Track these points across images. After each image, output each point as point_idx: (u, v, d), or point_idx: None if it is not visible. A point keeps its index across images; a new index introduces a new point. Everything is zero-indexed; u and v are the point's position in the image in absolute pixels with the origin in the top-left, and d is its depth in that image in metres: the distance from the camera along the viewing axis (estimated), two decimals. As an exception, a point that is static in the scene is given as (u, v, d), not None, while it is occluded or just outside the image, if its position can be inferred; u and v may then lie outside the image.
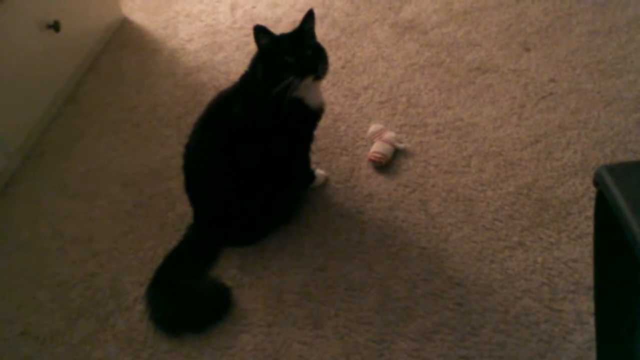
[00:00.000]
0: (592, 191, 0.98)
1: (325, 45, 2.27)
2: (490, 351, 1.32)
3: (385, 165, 1.77)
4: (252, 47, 2.34)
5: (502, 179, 1.70)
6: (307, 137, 1.61)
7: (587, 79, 1.98)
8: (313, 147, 1.84)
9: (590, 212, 1.55)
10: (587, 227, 1.54)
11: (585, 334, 1.32)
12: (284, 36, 1.48)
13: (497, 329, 1.36)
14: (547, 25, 2.24)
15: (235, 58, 2.28)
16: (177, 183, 1.74)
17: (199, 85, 2.18)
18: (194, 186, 1.58)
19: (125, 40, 2.50)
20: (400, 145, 1.81)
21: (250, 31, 2.41)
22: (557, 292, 1.41)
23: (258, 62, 1.49)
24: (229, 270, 1.55)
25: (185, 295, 1.48)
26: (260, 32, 1.44)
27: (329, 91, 2.08)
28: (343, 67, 2.19)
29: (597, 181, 0.76)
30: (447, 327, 1.37)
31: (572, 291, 1.41)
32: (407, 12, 2.42)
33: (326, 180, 1.75)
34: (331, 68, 2.17)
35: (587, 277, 1.43)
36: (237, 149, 1.49)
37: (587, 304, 1.37)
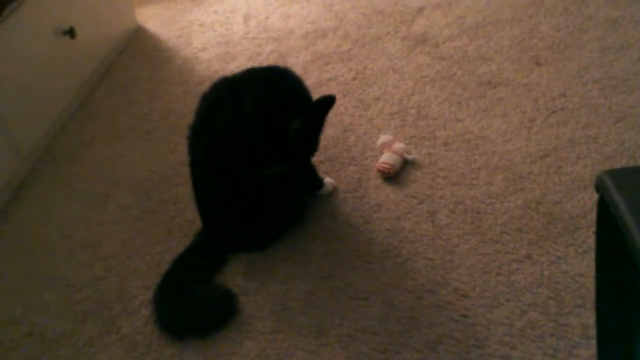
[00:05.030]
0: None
1: (336, 56, 2.32)
2: (495, 364, 1.31)
3: (394, 176, 1.77)
4: (263, 57, 2.37)
5: (510, 192, 1.69)
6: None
7: (598, 95, 1.98)
8: (322, 156, 1.86)
9: (599, 227, 1.54)
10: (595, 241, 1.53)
11: (590, 348, 1.31)
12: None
13: (502, 342, 1.35)
14: (559, 40, 2.25)
15: (247, 67, 2.30)
16: (185, 189, 1.75)
17: (211, 94, 2.19)
18: (200, 192, 1.59)
19: (139, 48, 2.53)
20: (409, 157, 1.81)
21: (263, 41, 2.45)
22: (563, 306, 1.40)
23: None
24: (235, 276, 1.56)
25: (191, 301, 1.49)
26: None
27: (340, 102, 2.08)
28: (354, 79, 2.20)
29: (599, 186, 0.77)
30: (452, 339, 1.37)
31: (578, 305, 1.40)
32: (419, 26, 2.44)
33: (334, 189, 1.76)
34: (342, 79, 2.20)
35: (594, 291, 1.42)
36: (235, 155, 1.50)
37: (593, 319, 1.36)
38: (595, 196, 1.65)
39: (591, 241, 1.53)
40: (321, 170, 1.80)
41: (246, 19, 2.64)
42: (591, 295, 1.41)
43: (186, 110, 2.12)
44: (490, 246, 1.56)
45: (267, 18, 2.62)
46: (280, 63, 2.12)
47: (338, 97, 2.09)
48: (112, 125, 2.13)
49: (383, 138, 1.86)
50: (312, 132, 1.54)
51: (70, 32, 2.07)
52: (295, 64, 2.30)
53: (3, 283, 1.62)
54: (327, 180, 1.76)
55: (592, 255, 1.51)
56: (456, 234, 1.60)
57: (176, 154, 1.94)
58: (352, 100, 2.10)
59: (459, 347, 1.35)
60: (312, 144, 1.56)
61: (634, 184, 0.72)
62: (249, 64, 2.33)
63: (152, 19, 2.72)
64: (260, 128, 1.44)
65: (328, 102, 1.51)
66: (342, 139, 1.94)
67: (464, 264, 1.52)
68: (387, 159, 1.78)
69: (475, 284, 1.47)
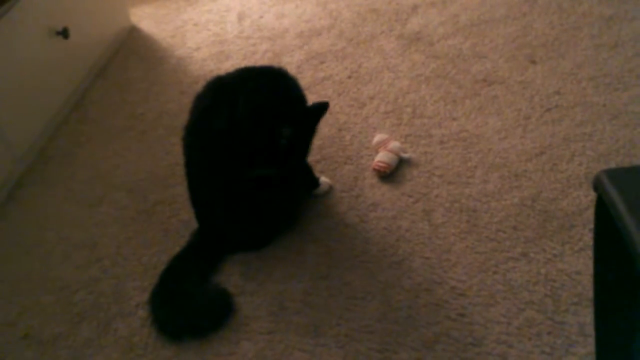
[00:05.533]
0: (596, 203, 1.01)
1: (331, 55, 2.31)
2: (492, 362, 1.32)
3: (390, 174, 1.77)
4: (258, 57, 2.37)
5: (506, 190, 1.69)
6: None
7: (593, 92, 1.99)
8: (318, 156, 1.86)
9: (594, 225, 1.54)
10: (591, 239, 1.53)
11: (588, 346, 1.31)
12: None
13: (499, 340, 1.35)
14: (554, 38, 2.25)
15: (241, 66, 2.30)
16: (181, 190, 1.75)
17: (206, 94, 2.19)
18: (195, 192, 1.59)
19: (133, 48, 2.53)
20: (405, 155, 1.81)
21: (257, 40, 2.44)
22: (560, 304, 1.40)
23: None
24: (231, 277, 1.56)
25: (187, 302, 1.48)
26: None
27: (335, 101, 2.08)
28: (349, 77, 2.19)
29: (596, 185, 0.77)
30: (449, 338, 1.37)
31: (575, 303, 1.40)
32: (414, 24, 2.44)
33: (330, 188, 1.76)
34: (337, 78, 2.20)
35: (591, 289, 1.42)
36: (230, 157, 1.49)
37: (590, 317, 1.36)
38: (591, 194, 1.66)
39: (587, 239, 1.54)
40: (317, 169, 1.80)
41: (240, 18, 2.63)
42: (588, 293, 1.42)
43: (181, 110, 2.12)
44: (486, 244, 1.56)
45: (261, 17, 2.62)
46: (275, 62, 2.12)
47: (333, 96, 2.10)
48: (106, 126, 2.12)
49: (378, 137, 1.86)
50: (305, 138, 1.55)
51: (64, 33, 2.06)
52: (290, 62, 2.29)
53: (-2, 285, 1.62)
54: (323, 179, 1.76)
55: (588, 252, 1.51)
56: (452, 233, 1.60)
57: (171, 155, 1.94)
58: (347, 99, 2.09)
59: (456, 345, 1.35)
60: (304, 149, 1.56)
61: (632, 183, 0.72)
62: (244, 63, 2.32)
63: (146, 19, 2.71)
64: (254, 131, 1.44)
65: (321, 109, 1.51)
66: (337, 138, 1.93)
67: (461, 263, 1.52)
68: (382, 157, 1.78)
69: (472, 282, 1.48)
